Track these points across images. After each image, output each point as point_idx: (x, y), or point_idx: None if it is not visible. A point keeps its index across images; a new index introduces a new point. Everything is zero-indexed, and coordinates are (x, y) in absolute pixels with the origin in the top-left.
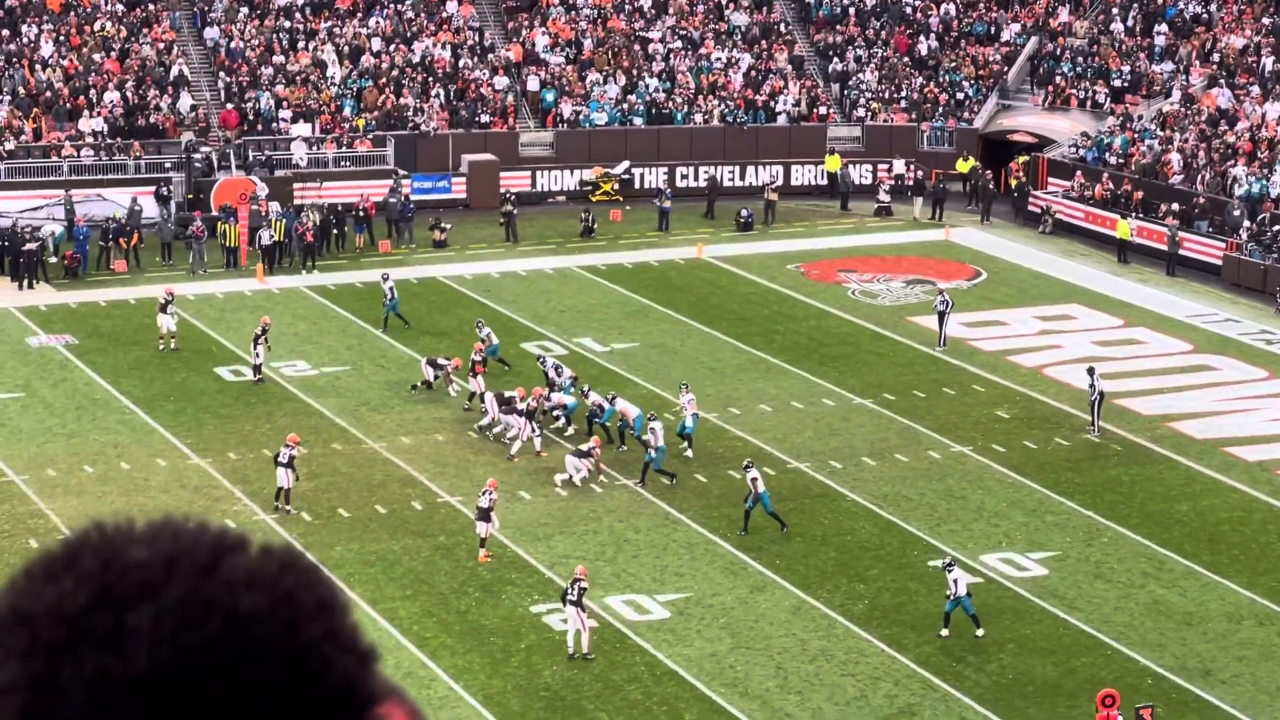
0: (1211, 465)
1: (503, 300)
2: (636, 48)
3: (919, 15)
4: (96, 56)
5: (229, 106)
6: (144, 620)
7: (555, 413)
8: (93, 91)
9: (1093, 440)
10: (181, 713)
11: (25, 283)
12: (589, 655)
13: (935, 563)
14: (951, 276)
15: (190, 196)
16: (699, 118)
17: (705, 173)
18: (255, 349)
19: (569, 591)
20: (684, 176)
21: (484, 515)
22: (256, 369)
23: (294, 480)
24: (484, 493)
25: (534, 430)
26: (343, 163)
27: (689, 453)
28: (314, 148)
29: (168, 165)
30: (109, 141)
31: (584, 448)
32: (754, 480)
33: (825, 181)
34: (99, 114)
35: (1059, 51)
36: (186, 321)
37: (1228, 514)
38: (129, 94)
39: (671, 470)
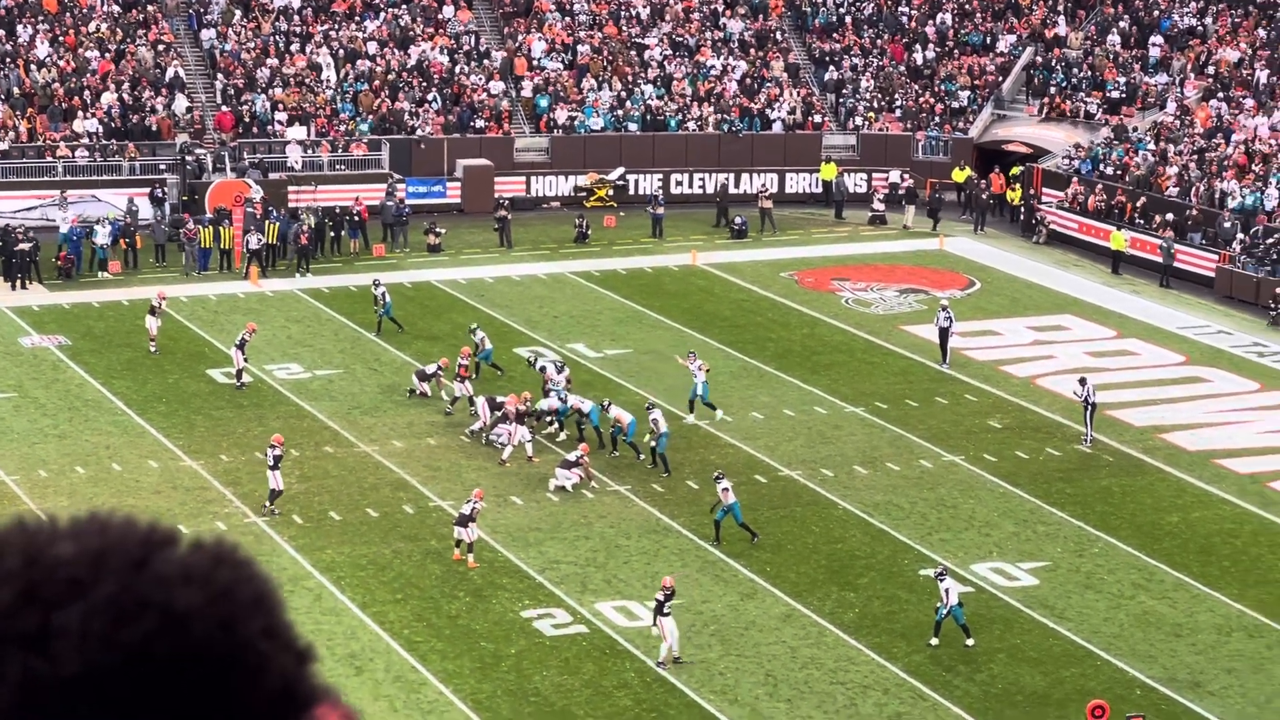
0: (1202, 477)
1: (496, 305)
2: (632, 54)
3: (915, 24)
4: (91, 56)
5: (224, 109)
6: (73, 619)
7: (548, 418)
8: (88, 92)
9: (1084, 451)
10: (115, 713)
11: (18, 283)
12: (678, 659)
13: (926, 572)
14: (945, 286)
15: (185, 198)
16: (693, 124)
17: (713, 180)
18: (233, 352)
19: (662, 605)
20: (678, 183)
21: (462, 521)
22: (239, 374)
23: (281, 481)
24: (468, 501)
25: (526, 435)
26: (338, 166)
27: (720, 414)
28: (309, 151)
29: (162, 167)
30: (104, 143)
31: (571, 457)
32: (724, 490)
33: (820, 189)
34: (94, 115)
35: (1053, 63)
36: (180, 323)
37: (1218, 526)
38: (124, 95)
39: (668, 466)
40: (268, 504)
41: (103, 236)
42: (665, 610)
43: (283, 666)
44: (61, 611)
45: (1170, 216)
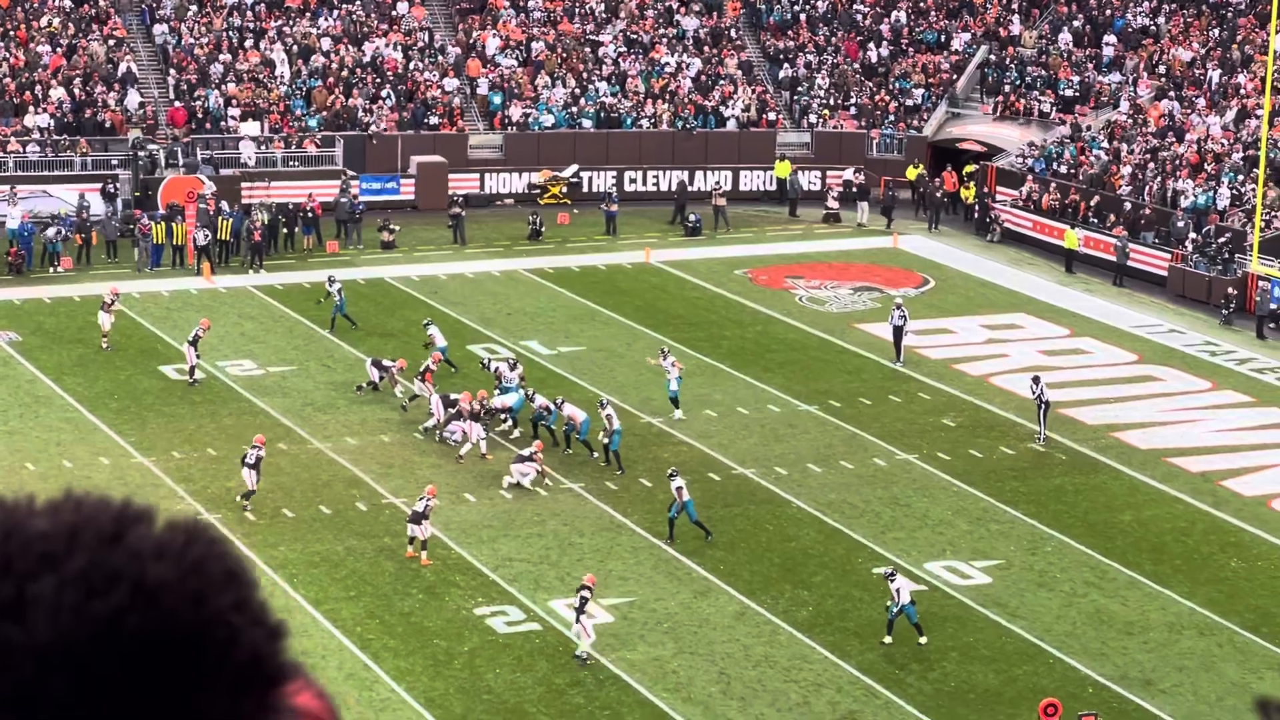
0: (1155, 475)
1: (450, 302)
2: (586, 51)
3: (869, 22)
4: (43, 51)
5: (177, 104)
6: (46, 590)
7: (502, 415)
8: (39, 87)
9: (1038, 449)
10: (86, 683)
11: None
12: (584, 658)
13: (879, 570)
14: (899, 284)
15: (137, 194)
16: (647, 122)
17: (667, 177)
18: (186, 348)
19: (584, 604)
20: (632, 181)
21: (416, 519)
22: (191, 370)
23: (257, 481)
24: (421, 498)
25: (481, 433)
26: (291, 162)
27: (678, 414)
28: (262, 147)
29: (114, 163)
30: (55, 138)
31: (525, 453)
32: (679, 489)
33: (774, 187)
34: (45, 110)
35: (1008, 61)
36: (132, 319)
37: (1170, 524)
38: (76, 90)
39: (622, 465)
40: (241, 499)
41: (53, 232)
42: (585, 610)
43: (253, 641)
44: (35, 583)
45: (1127, 206)
